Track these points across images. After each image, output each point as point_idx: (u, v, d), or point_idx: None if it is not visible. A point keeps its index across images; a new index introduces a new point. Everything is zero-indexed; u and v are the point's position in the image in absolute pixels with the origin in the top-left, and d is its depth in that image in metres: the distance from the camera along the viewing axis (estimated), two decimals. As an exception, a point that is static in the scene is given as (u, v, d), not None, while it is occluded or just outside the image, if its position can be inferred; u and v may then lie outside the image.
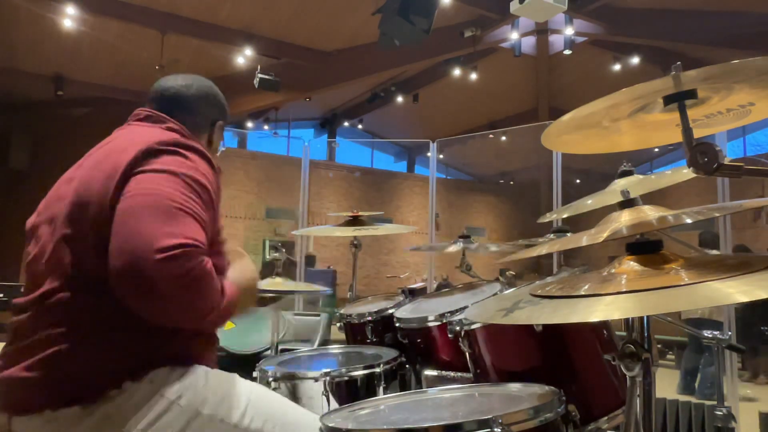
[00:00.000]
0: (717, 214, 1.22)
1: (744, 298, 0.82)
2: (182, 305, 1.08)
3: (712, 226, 5.34)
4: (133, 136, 1.28)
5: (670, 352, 7.90)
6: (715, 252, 4.41)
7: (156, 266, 1.03)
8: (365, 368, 1.75)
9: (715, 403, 1.86)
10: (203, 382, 1.19)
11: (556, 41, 13.54)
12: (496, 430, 1.04)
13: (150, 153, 1.19)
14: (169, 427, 1.11)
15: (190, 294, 1.07)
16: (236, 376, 1.28)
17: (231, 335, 3.52)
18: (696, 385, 5.68)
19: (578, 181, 14.34)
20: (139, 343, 1.14)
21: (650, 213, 1.11)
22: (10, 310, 1.24)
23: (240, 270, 1.34)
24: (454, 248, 2.53)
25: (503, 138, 15.36)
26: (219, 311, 1.16)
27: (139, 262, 1.03)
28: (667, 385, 5.89)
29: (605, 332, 1.54)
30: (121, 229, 1.08)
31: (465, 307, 1.72)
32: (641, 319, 1.04)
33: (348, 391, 1.72)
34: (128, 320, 1.11)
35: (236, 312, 1.24)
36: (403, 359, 1.89)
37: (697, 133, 1.05)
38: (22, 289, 1.26)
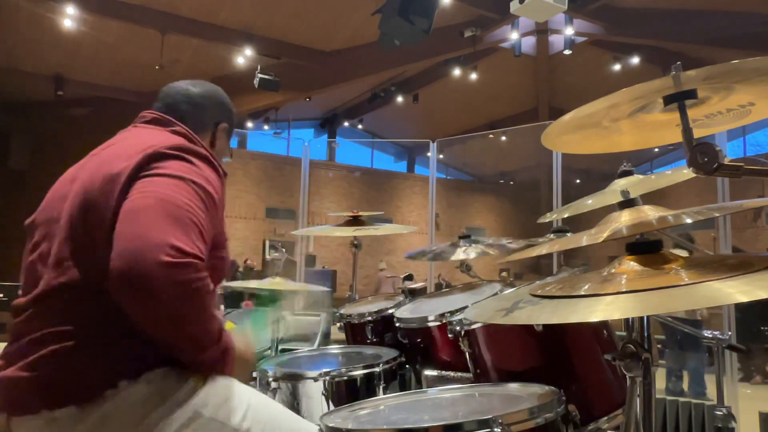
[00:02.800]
0: (717, 214, 1.22)
1: (744, 298, 0.82)
2: (177, 317, 1.05)
3: (711, 225, 5.34)
4: (138, 139, 1.27)
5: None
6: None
7: (161, 269, 1.00)
8: (365, 368, 1.75)
9: (714, 402, 1.85)
10: (203, 384, 1.18)
11: (556, 41, 13.53)
12: (496, 430, 1.04)
13: (156, 157, 1.19)
14: (168, 428, 1.10)
15: (186, 307, 1.05)
16: (235, 380, 1.26)
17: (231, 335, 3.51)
18: (684, 385, 5.69)
19: (578, 181, 14.36)
20: (136, 345, 1.13)
21: (650, 213, 1.10)
22: (11, 310, 1.23)
23: (240, 340, 1.29)
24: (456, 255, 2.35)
25: (503, 138, 15.36)
26: (217, 349, 1.14)
27: (145, 264, 1.00)
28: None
29: (605, 332, 1.54)
30: (126, 230, 1.05)
31: (465, 307, 1.72)
32: (641, 319, 1.04)
33: (348, 391, 1.72)
34: (127, 321, 1.10)
35: (231, 368, 1.20)
36: (403, 359, 1.89)
37: (697, 133, 1.05)
38: (20, 291, 1.25)
